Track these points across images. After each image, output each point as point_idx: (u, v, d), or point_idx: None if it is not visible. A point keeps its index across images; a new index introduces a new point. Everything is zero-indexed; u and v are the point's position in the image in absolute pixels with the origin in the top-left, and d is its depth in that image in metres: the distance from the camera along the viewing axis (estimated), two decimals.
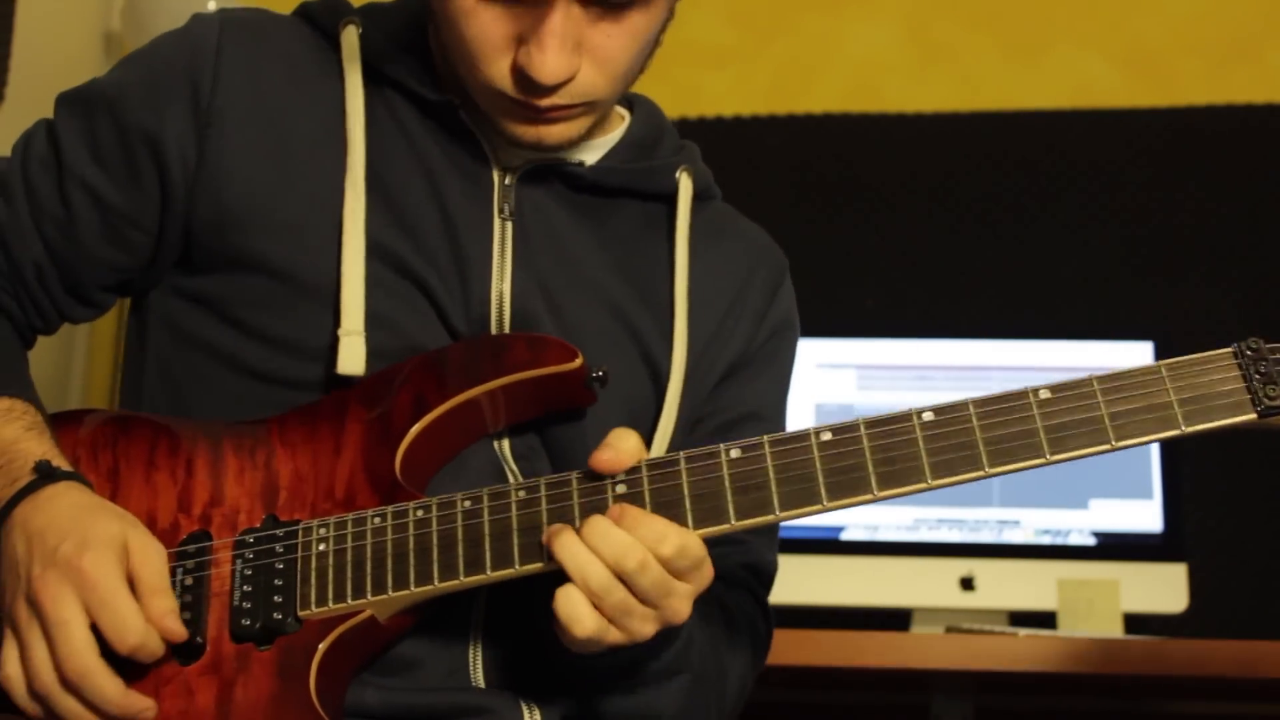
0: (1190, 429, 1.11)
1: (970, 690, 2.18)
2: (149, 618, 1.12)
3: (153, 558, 1.14)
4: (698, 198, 1.41)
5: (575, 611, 1.11)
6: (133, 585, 1.12)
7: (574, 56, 1.21)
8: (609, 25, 1.22)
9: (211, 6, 2.62)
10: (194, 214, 1.28)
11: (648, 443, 1.32)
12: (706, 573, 1.15)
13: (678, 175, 1.40)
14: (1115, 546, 2.35)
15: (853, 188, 2.83)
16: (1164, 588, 2.34)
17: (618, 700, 1.25)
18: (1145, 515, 2.37)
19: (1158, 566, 2.35)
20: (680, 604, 1.13)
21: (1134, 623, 2.30)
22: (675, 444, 1.33)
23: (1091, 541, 2.37)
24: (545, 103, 1.23)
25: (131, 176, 1.29)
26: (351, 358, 1.23)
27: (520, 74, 1.21)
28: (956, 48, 2.88)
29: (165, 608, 1.13)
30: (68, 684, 1.10)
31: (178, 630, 1.13)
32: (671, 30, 1.33)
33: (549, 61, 1.19)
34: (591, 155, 1.37)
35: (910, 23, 2.91)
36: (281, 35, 1.34)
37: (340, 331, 1.24)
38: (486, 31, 1.21)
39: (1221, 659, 1.99)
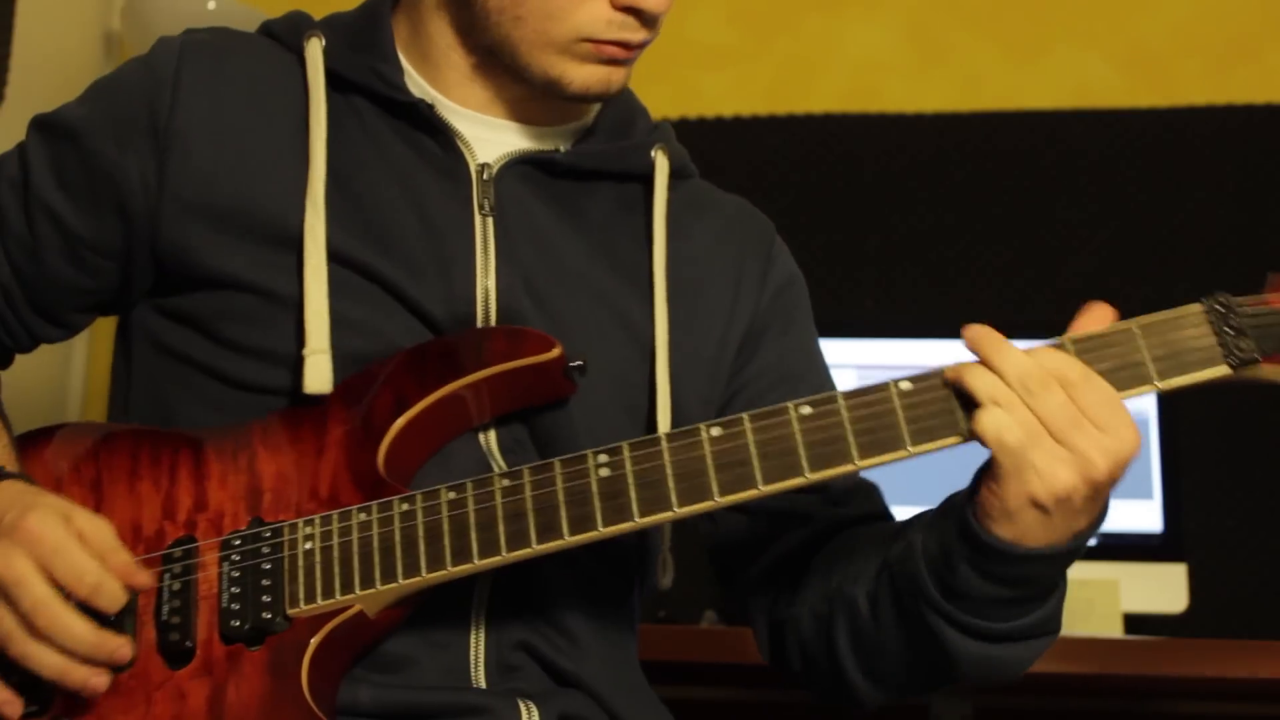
0: (1165, 384, 1.13)
1: (970, 690, 2.18)
2: (111, 572, 1.14)
3: (100, 525, 1.16)
4: (675, 175, 1.42)
5: (998, 420, 1.10)
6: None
7: None
8: None
9: (211, 7, 2.62)
10: (159, 239, 1.30)
11: (649, 422, 1.33)
12: (1127, 434, 1.11)
13: (653, 154, 1.41)
14: (1115, 546, 2.35)
15: (853, 188, 2.83)
16: (1164, 588, 2.33)
17: (981, 650, 1.21)
18: (1145, 515, 2.37)
19: (1158, 566, 2.35)
20: (1093, 449, 1.10)
21: (1134, 623, 2.29)
22: (679, 420, 1.33)
23: (1091, 541, 2.36)
24: (640, 38, 1.29)
25: (94, 205, 1.31)
26: (317, 377, 1.24)
27: (625, 10, 1.26)
28: (956, 48, 2.88)
29: (125, 560, 1.15)
30: (40, 636, 1.11)
31: (144, 578, 1.16)
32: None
33: None
34: (566, 142, 1.38)
35: (910, 23, 2.91)
36: (244, 55, 1.35)
37: (305, 351, 1.24)
38: None
39: (1221, 659, 1.99)
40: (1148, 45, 2.83)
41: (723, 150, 2.74)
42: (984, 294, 2.74)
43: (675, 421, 1.32)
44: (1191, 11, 2.82)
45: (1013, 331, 2.54)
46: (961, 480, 1.28)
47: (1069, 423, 1.10)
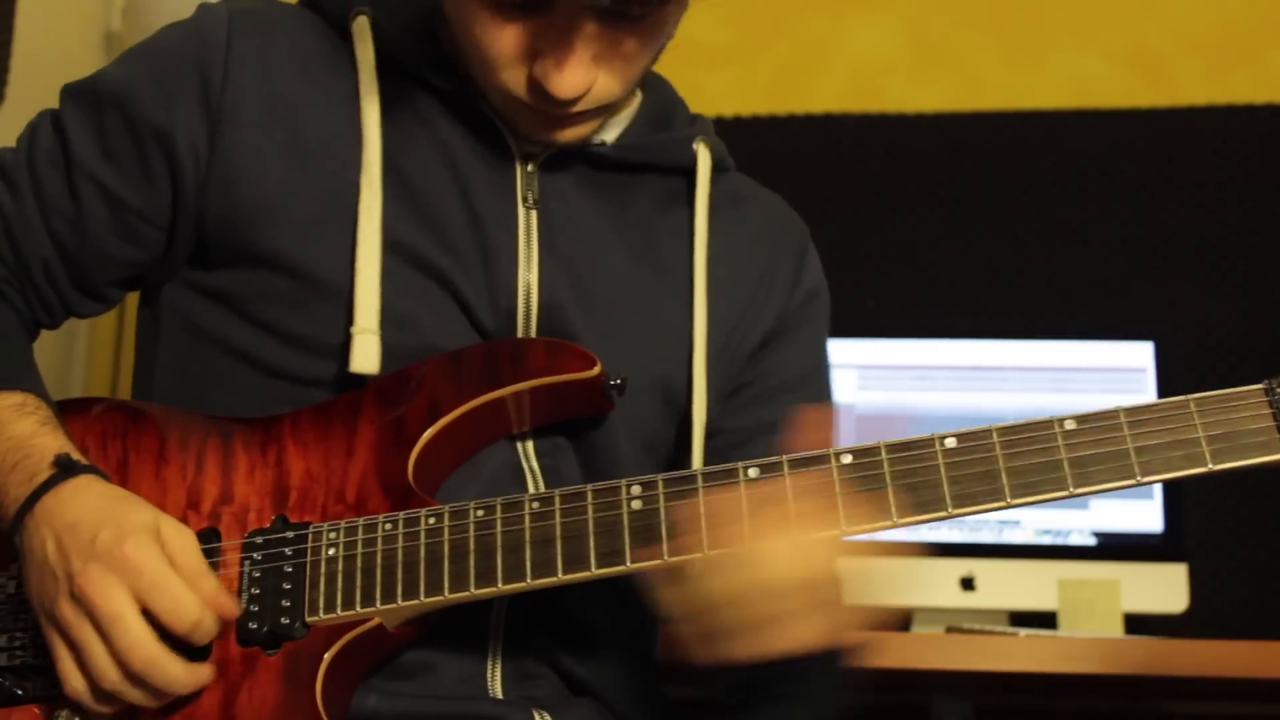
0: (1218, 467, 1.10)
1: (970, 690, 2.18)
2: (201, 598, 1.12)
3: (187, 543, 1.14)
4: (715, 169, 1.41)
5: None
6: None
7: (591, 70, 1.21)
8: (626, 36, 1.22)
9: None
10: (206, 211, 1.27)
11: (685, 420, 1.33)
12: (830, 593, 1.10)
13: (695, 147, 1.40)
14: (1115, 546, 2.35)
15: (853, 188, 2.83)
16: (1164, 588, 2.33)
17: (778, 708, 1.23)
18: (1145, 515, 2.37)
19: (1158, 566, 2.35)
20: (803, 627, 1.09)
21: (1134, 623, 2.29)
22: (712, 415, 1.33)
23: (1092, 541, 2.37)
24: (561, 112, 1.24)
25: (143, 172, 1.28)
26: (365, 357, 1.22)
27: (536, 86, 1.21)
28: (956, 48, 2.88)
29: (213, 587, 1.14)
30: (133, 676, 1.10)
31: (232, 606, 1.14)
32: (677, 27, 1.32)
33: (566, 79, 1.20)
34: (611, 133, 1.36)
35: (910, 23, 2.91)
36: (291, 27, 1.32)
37: (354, 330, 1.22)
38: (502, 44, 1.21)
39: (1221, 659, 1.99)
40: (1148, 45, 2.83)
41: None
42: (984, 294, 2.74)
43: (706, 419, 1.32)
44: (1191, 11, 2.82)
45: (1013, 331, 2.56)
46: None
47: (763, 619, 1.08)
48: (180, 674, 1.11)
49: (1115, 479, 1.11)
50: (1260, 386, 1.11)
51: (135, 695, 1.11)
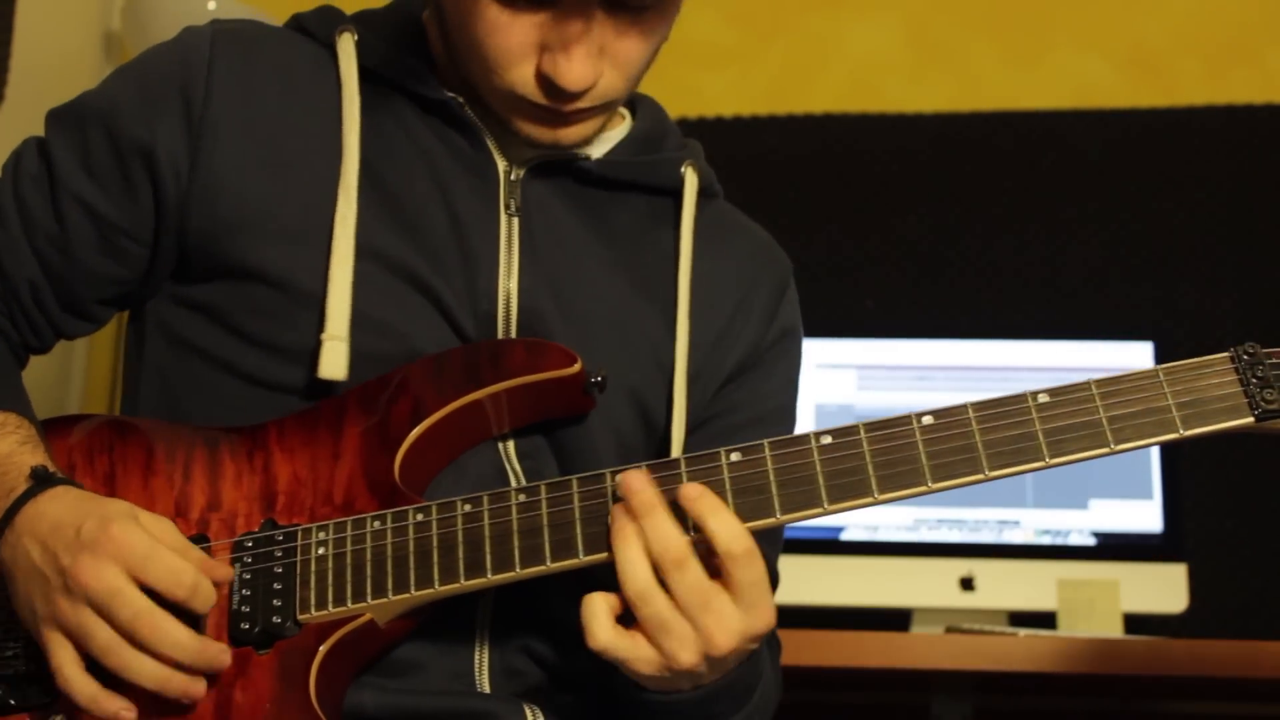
0: (1188, 432, 1.12)
1: (970, 690, 2.18)
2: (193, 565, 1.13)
3: (167, 525, 1.15)
4: (702, 194, 1.42)
5: (594, 622, 1.11)
6: None
7: (598, 62, 1.23)
8: (629, 29, 1.24)
9: (211, 7, 2.62)
10: (188, 225, 1.28)
11: (664, 437, 1.33)
12: (764, 615, 1.12)
13: (683, 170, 1.40)
14: (1115, 546, 2.35)
15: (853, 188, 2.83)
16: (1164, 588, 2.34)
17: None
18: (1145, 515, 2.37)
19: (1158, 566, 2.35)
20: (717, 625, 1.11)
21: (1134, 623, 2.30)
22: (689, 434, 1.34)
23: (1091, 541, 2.37)
24: (569, 107, 1.25)
25: (125, 189, 1.29)
26: (333, 362, 1.23)
27: (545, 80, 1.23)
28: (956, 48, 2.88)
29: (201, 554, 1.15)
30: (143, 646, 1.10)
31: (225, 569, 1.16)
32: (671, 30, 1.33)
33: (575, 70, 1.22)
34: (598, 149, 1.37)
35: (910, 23, 2.91)
36: (275, 46, 1.34)
37: (323, 336, 1.23)
38: (510, 40, 1.23)
39: (1221, 659, 1.99)
40: (1148, 45, 2.83)
41: (723, 150, 2.73)
42: (984, 294, 2.75)
43: (684, 440, 1.33)
44: (1191, 11, 2.83)
45: (1013, 331, 2.56)
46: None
47: (699, 605, 1.10)
48: (190, 640, 1.11)
49: (1089, 448, 1.13)
50: (1226, 354, 1.14)
51: (146, 668, 1.10)
